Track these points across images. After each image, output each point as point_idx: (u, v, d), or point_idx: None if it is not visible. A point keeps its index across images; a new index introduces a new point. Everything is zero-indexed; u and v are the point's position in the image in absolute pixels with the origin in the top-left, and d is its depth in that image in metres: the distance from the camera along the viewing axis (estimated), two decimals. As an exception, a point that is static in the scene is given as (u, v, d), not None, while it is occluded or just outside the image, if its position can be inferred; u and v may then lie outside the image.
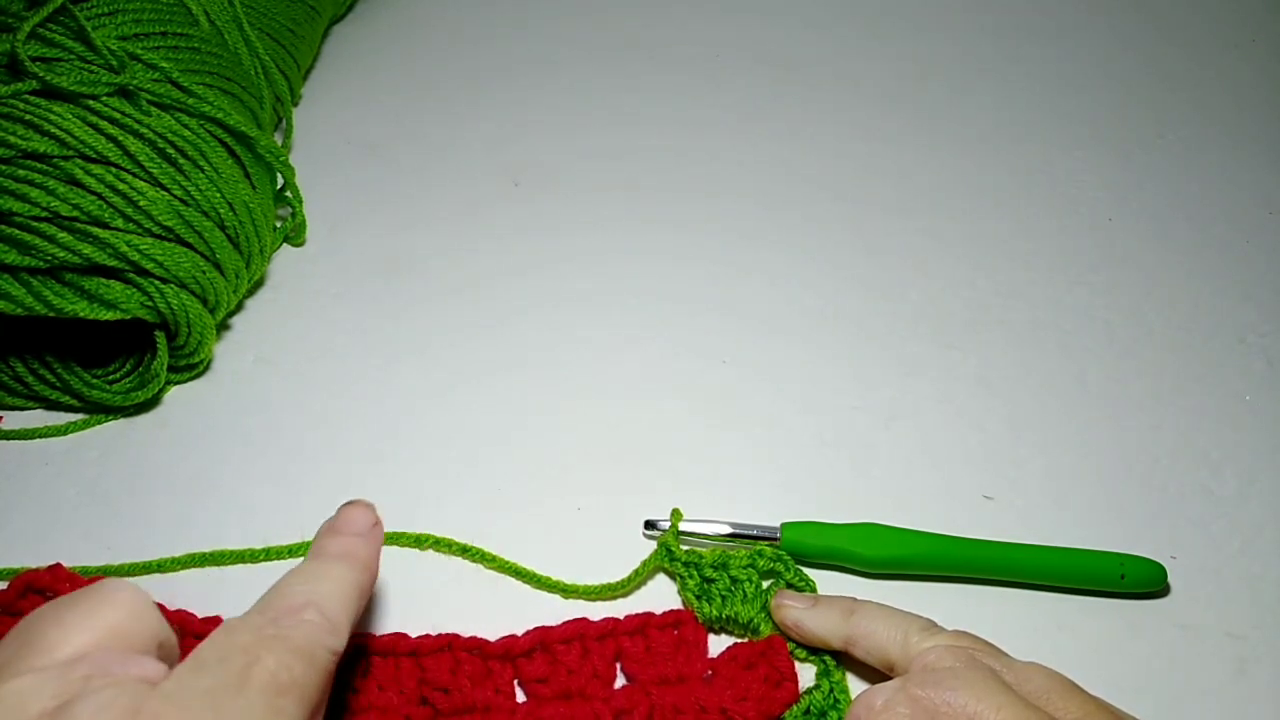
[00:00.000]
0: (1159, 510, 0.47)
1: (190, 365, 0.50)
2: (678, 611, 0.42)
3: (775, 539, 0.44)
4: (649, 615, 0.41)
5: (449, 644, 0.40)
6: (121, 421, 0.49)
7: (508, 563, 0.44)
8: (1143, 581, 0.43)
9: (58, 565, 0.41)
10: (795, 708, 0.39)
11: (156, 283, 0.45)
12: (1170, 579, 0.44)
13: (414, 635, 0.40)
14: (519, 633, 0.41)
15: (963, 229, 0.60)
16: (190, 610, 0.40)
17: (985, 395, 0.52)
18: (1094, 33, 0.75)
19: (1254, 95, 0.70)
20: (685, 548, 0.43)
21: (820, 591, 0.43)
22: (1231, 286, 0.57)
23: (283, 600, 0.32)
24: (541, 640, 0.40)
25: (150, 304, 0.46)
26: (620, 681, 0.40)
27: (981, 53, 0.73)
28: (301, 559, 0.44)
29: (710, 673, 0.40)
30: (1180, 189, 0.63)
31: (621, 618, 0.41)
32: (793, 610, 0.41)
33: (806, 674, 0.41)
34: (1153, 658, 0.42)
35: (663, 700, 0.39)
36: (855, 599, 0.41)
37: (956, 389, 0.52)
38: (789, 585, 0.43)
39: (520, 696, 0.39)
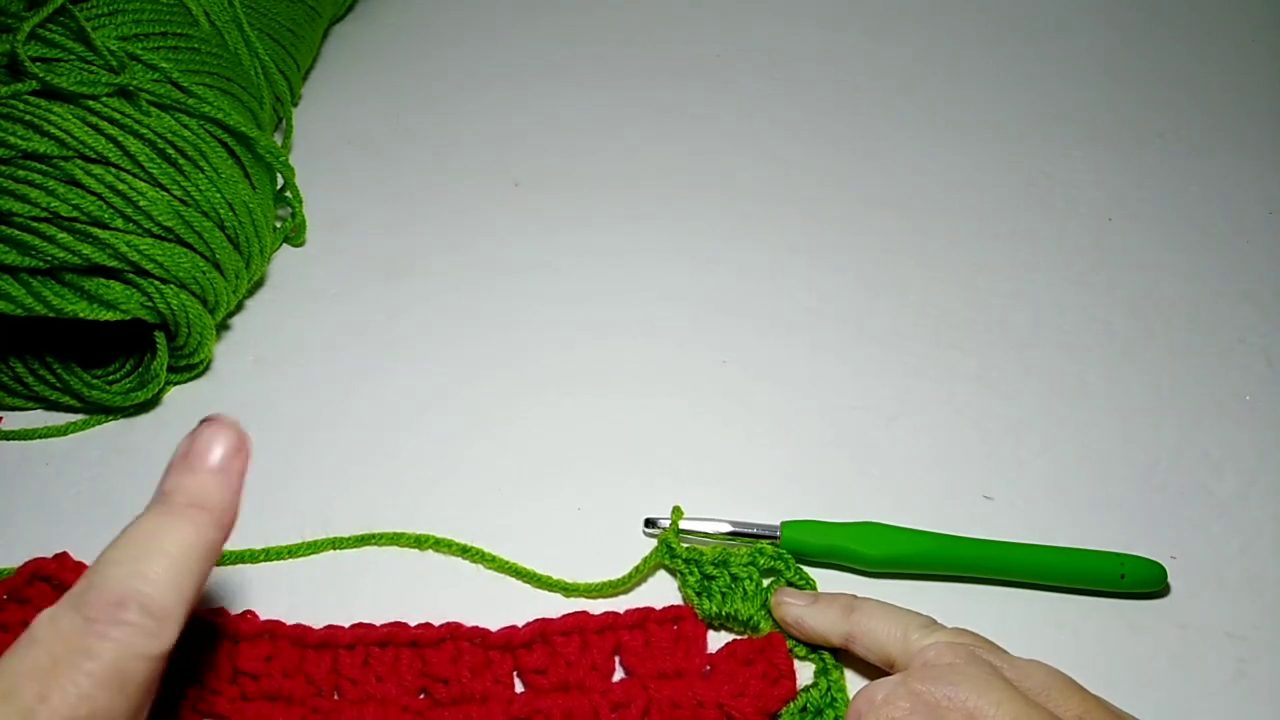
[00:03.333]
0: (1159, 510, 0.47)
1: (190, 365, 0.50)
2: (678, 607, 0.42)
3: (775, 537, 0.44)
4: (649, 610, 0.41)
5: (450, 634, 0.40)
6: (121, 422, 0.49)
7: (508, 563, 0.44)
8: (1143, 581, 0.43)
9: (64, 554, 0.41)
10: (792, 705, 0.39)
11: (156, 283, 0.45)
12: (1170, 579, 0.44)
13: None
14: (517, 625, 0.41)
15: (963, 229, 0.60)
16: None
17: (985, 395, 0.52)
18: (1094, 32, 0.75)
19: (1254, 95, 0.70)
20: (686, 545, 0.43)
21: (821, 590, 0.43)
22: (1231, 286, 0.57)
23: (100, 592, 0.27)
24: (542, 632, 0.40)
25: (150, 304, 0.46)
26: (619, 675, 0.40)
27: (981, 52, 0.73)
28: (302, 559, 0.44)
29: (709, 668, 0.40)
30: (1180, 189, 0.63)
31: (621, 611, 0.41)
32: (793, 608, 0.41)
33: (804, 672, 0.41)
34: (1153, 658, 0.42)
35: (660, 694, 0.39)
36: (855, 596, 0.41)
37: (957, 389, 0.52)
38: (789, 584, 0.43)
39: (519, 687, 0.40)
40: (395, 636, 0.40)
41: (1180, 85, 0.71)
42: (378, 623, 0.40)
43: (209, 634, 0.39)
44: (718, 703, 0.39)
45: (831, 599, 0.41)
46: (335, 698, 0.39)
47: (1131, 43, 0.74)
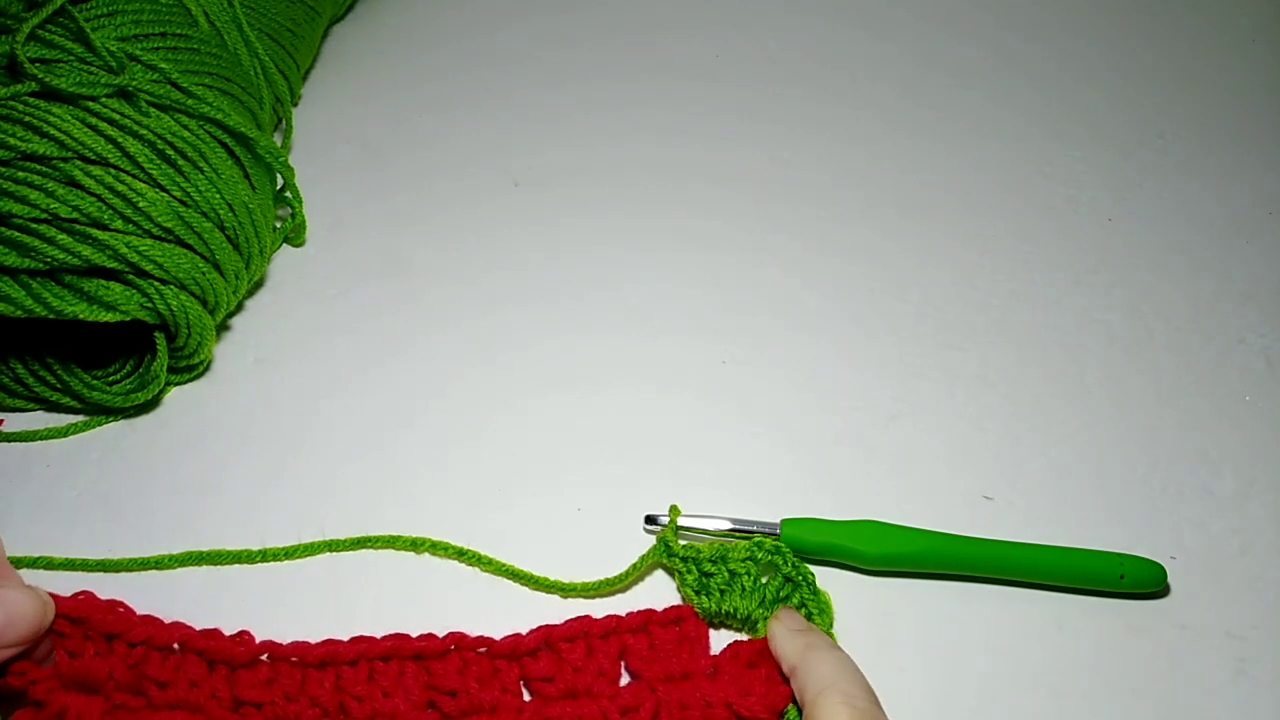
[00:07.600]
0: (1159, 510, 0.47)
1: (190, 366, 0.50)
2: (679, 607, 0.42)
3: (775, 535, 0.44)
4: (650, 612, 0.41)
5: (454, 645, 0.40)
6: (122, 423, 0.49)
7: (504, 565, 0.44)
8: (1143, 581, 0.43)
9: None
10: (792, 707, 0.39)
11: (156, 284, 0.45)
12: (1170, 579, 0.44)
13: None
14: (521, 633, 0.41)
15: (963, 229, 0.60)
16: (189, 612, 0.40)
17: (986, 395, 0.52)
18: (1094, 32, 0.75)
19: (1254, 95, 0.70)
20: (684, 543, 0.43)
21: (819, 587, 0.42)
22: (1231, 286, 0.57)
23: None
24: (546, 639, 0.40)
25: (150, 305, 0.46)
26: (625, 679, 0.40)
27: (981, 52, 0.73)
28: (299, 560, 0.44)
29: (714, 669, 0.40)
30: (1180, 189, 0.63)
31: (624, 615, 0.41)
32: (774, 622, 0.40)
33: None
34: (1153, 658, 0.42)
35: (669, 697, 0.39)
36: (831, 642, 0.39)
37: (957, 389, 0.52)
38: (786, 578, 0.42)
39: (525, 696, 0.39)
40: (399, 650, 0.39)
41: (1180, 85, 0.71)
42: (375, 627, 0.40)
43: (205, 661, 0.39)
44: (726, 702, 0.38)
45: (807, 630, 0.40)
46: (342, 716, 0.38)
47: (1131, 43, 0.74)
